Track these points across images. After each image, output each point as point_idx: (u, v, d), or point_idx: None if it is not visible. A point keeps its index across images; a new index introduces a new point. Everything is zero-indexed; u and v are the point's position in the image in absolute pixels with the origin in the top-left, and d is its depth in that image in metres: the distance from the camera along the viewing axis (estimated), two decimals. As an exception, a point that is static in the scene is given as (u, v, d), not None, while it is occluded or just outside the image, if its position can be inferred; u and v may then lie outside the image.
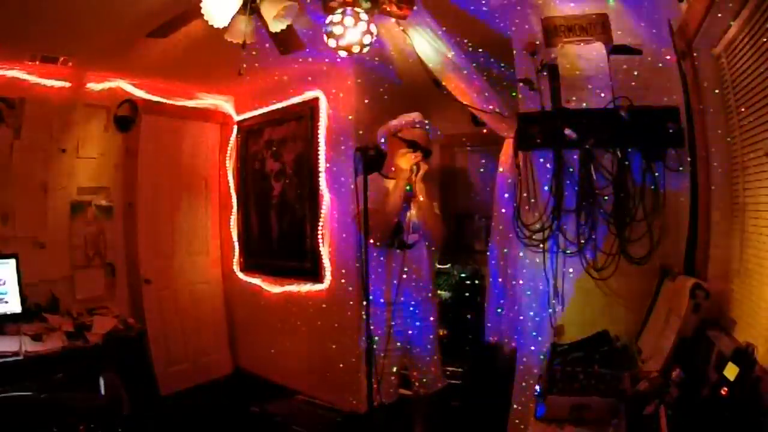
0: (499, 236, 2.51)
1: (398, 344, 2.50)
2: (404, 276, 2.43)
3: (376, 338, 2.40)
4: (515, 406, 2.27)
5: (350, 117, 3.24)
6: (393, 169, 2.46)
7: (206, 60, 3.08)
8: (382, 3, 1.91)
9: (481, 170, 3.62)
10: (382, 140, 2.61)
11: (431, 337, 2.56)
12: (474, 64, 2.43)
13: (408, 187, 2.41)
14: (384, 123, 2.61)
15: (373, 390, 2.13)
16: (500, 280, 2.50)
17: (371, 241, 2.36)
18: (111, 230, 3.50)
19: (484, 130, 2.63)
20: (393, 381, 2.53)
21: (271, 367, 3.87)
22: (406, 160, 2.39)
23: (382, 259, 2.47)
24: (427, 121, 2.57)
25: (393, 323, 2.45)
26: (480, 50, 2.53)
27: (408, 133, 2.49)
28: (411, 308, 2.49)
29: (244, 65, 1.95)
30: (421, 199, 2.44)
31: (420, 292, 2.51)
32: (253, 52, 2.10)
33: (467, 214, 3.67)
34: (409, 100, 3.49)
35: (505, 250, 2.46)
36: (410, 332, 2.51)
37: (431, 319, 2.55)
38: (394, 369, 2.51)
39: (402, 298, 2.45)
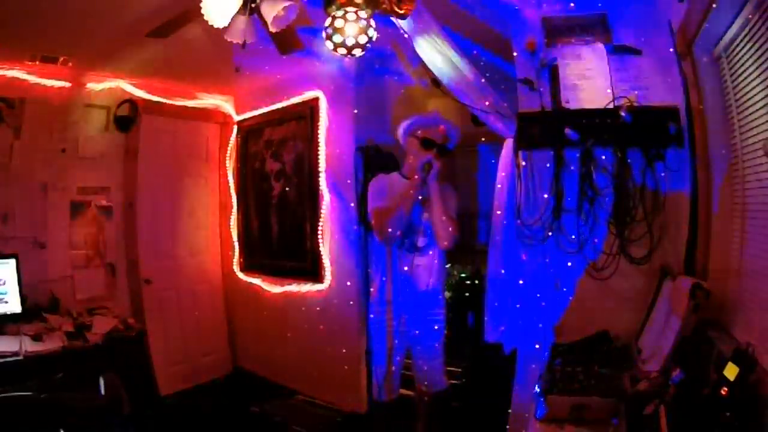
0: (499, 236, 2.50)
1: (401, 344, 2.49)
2: (411, 277, 2.42)
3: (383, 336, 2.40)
4: (515, 406, 2.27)
5: (350, 117, 3.24)
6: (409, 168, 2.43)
7: (206, 60, 3.09)
8: (382, 3, 1.90)
9: (481, 170, 3.63)
10: (402, 139, 2.56)
11: (437, 339, 2.55)
12: (473, 64, 2.43)
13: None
14: (400, 122, 2.55)
15: (372, 389, 2.12)
16: (502, 272, 2.49)
17: (380, 238, 2.34)
18: (111, 230, 3.50)
19: (483, 138, 2.62)
20: (394, 381, 2.53)
21: (271, 367, 3.86)
22: (417, 158, 2.37)
23: (389, 259, 2.46)
24: (447, 119, 2.51)
25: (396, 323, 2.45)
26: (481, 49, 2.53)
27: (424, 132, 2.46)
28: (417, 309, 2.48)
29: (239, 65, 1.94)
30: (433, 198, 2.38)
31: (428, 295, 2.50)
32: (253, 52, 2.09)
33: (467, 214, 3.68)
34: (409, 99, 3.51)
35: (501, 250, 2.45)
36: (415, 333, 2.50)
37: (438, 321, 2.53)
38: (395, 367, 2.50)
39: (409, 299, 2.44)
